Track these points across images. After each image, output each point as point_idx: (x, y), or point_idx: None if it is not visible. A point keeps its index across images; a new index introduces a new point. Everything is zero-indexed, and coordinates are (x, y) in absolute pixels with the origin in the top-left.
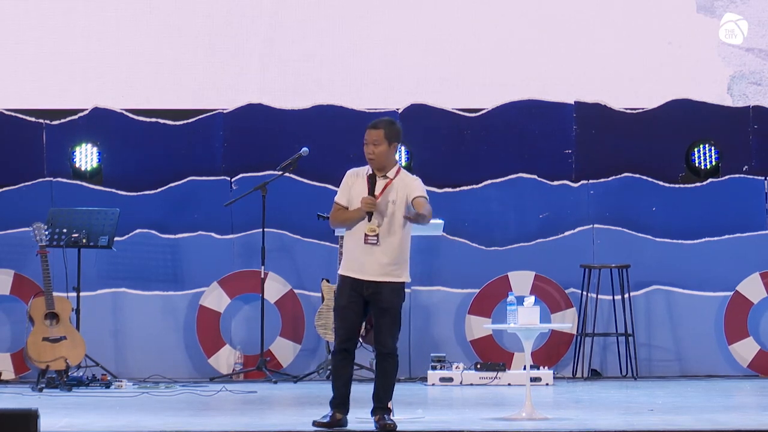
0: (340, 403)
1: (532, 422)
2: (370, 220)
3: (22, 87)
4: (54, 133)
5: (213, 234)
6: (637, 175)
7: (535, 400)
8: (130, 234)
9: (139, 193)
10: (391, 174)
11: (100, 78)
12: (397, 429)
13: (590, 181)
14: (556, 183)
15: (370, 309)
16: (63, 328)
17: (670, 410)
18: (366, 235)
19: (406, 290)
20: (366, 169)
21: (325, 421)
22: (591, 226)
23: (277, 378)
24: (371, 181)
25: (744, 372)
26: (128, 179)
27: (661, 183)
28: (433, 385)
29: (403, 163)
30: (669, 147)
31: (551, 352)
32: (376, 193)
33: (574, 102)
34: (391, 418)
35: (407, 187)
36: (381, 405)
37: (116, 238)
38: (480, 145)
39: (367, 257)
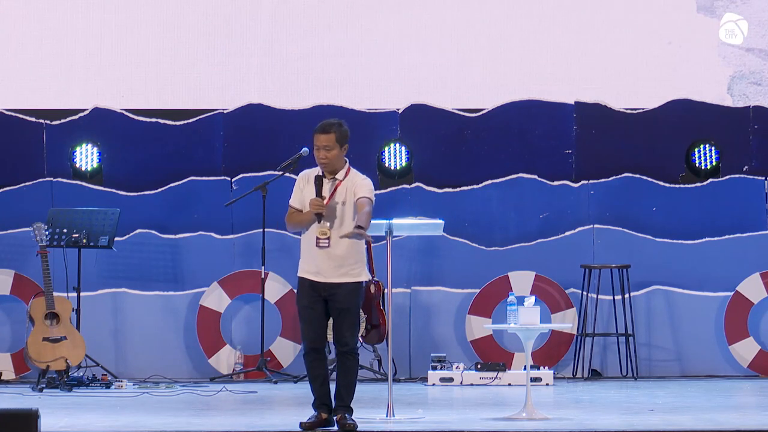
0: (322, 403)
1: (532, 422)
2: (320, 222)
3: (22, 87)
4: (54, 133)
5: (213, 234)
6: (637, 175)
7: (536, 400)
8: (131, 234)
9: (139, 193)
10: (340, 176)
11: (100, 78)
12: (358, 429)
13: (590, 181)
14: (556, 183)
15: (329, 310)
16: (63, 328)
17: (670, 410)
18: (317, 238)
19: (406, 290)
20: (317, 170)
21: (311, 421)
22: (591, 226)
23: (278, 378)
24: (318, 182)
25: (744, 372)
26: (128, 179)
27: (661, 183)
28: (433, 385)
29: (404, 163)
30: (669, 147)
31: (551, 352)
32: (327, 195)
33: (574, 102)
34: (353, 418)
35: (355, 186)
36: (343, 404)
37: (116, 238)
38: (480, 145)
39: (322, 260)
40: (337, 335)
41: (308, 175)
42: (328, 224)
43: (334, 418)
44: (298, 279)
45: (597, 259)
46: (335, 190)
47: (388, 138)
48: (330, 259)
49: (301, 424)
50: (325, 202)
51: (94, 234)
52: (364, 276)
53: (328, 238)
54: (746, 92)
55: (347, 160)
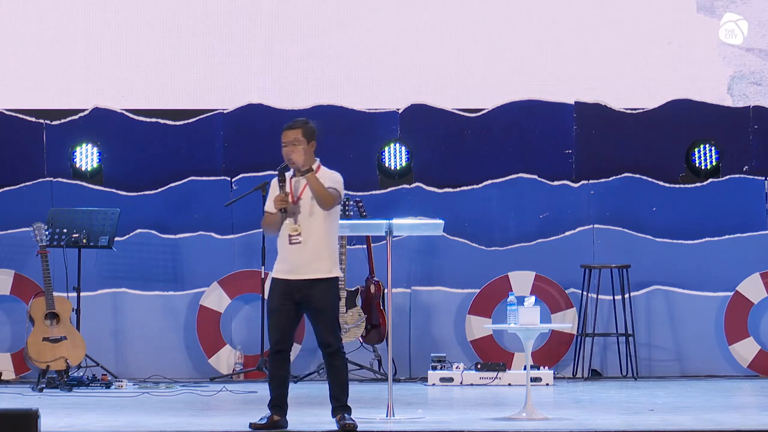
0: (277, 404)
1: (532, 422)
2: (284, 214)
3: (22, 87)
4: (54, 133)
5: (213, 234)
6: (637, 175)
7: (536, 400)
8: (131, 234)
9: (139, 193)
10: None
11: (100, 78)
12: (358, 429)
13: (590, 181)
14: (556, 183)
15: (303, 311)
16: (63, 328)
17: (670, 410)
18: (290, 235)
19: (406, 290)
20: (290, 173)
21: (262, 422)
22: (591, 226)
23: None
24: (281, 178)
25: (744, 372)
26: (128, 179)
27: (661, 183)
28: (433, 385)
29: (404, 163)
30: (669, 147)
31: (551, 352)
32: (298, 192)
33: (574, 102)
34: (352, 417)
35: (325, 180)
36: (340, 404)
37: (116, 238)
38: (480, 145)
39: (295, 257)
40: (318, 338)
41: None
42: (293, 221)
43: (334, 418)
44: (271, 280)
45: (597, 259)
46: (304, 187)
47: (388, 138)
48: (303, 255)
49: (251, 424)
50: (292, 198)
51: (94, 234)
52: (336, 272)
53: (300, 234)
54: (746, 92)
55: (318, 158)
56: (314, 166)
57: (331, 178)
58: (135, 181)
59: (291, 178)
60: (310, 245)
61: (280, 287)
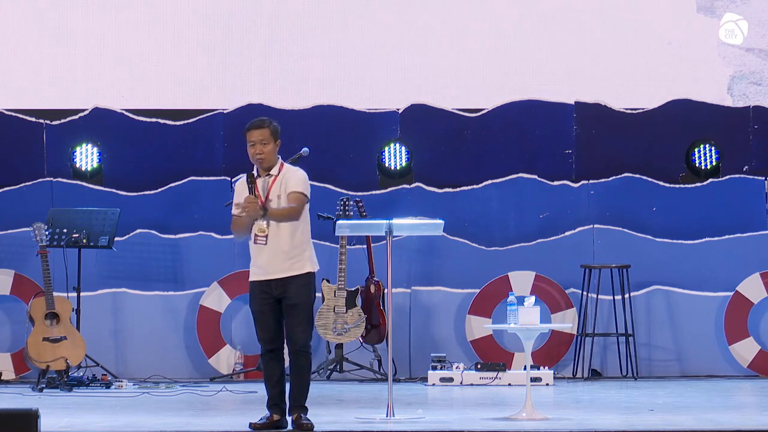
0: (276, 404)
1: (532, 422)
2: (264, 218)
3: (22, 87)
4: (54, 133)
5: (213, 234)
6: (637, 175)
7: (536, 400)
8: (131, 234)
9: (139, 193)
10: (274, 171)
11: (100, 78)
12: (315, 429)
13: (590, 181)
14: (556, 183)
15: (282, 309)
16: (63, 328)
17: (670, 410)
18: (256, 235)
19: (406, 290)
20: (248, 175)
21: (262, 422)
22: (591, 226)
23: None
24: (249, 180)
25: (744, 372)
26: (128, 179)
27: (661, 183)
28: (433, 385)
29: (404, 163)
30: (669, 147)
31: (551, 352)
32: (262, 192)
33: (574, 102)
34: (308, 417)
35: (289, 180)
36: (297, 404)
37: (116, 238)
38: (480, 145)
39: (265, 257)
40: (288, 332)
41: (244, 182)
42: (265, 222)
43: (290, 418)
44: (249, 284)
45: (597, 259)
46: (270, 186)
47: (388, 138)
48: (275, 255)
49: (251, 424)
50: (260, 200)
51: (94, 234)
52: (309, 267)
53: (266, 236)
54: (746, 92)
55: (280, 156)
56: (277, 166)
57: (295, 178)
58: (135, 181)
59: (256, 178)
60: (278, 243)
61: (257, 288)
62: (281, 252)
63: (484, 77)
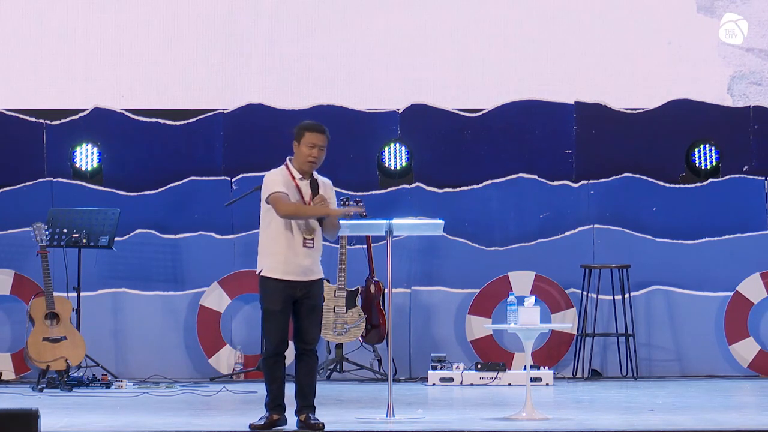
0: (277, 405)
1: (532, 422)
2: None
3: (22, 87)
4: (54, 133)
5: (213, 234)
6: (637, 175)
7: (536, 400)
8: (131, 234)
9: (139, 193)
10: (314, 176)
11: (100, 78)
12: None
13: (590, 181)
14: (556, 183)
15: (296, 309)
16: (63, 328)
17: (670, 410)
18: (305, 238)
19: (406, 290)
20: (282, 171)
21: (261, 423)
22: (591, 226)
23: None
24: (313, 185)
25: (744, 372)
26: (128, 179)
27: (661, 183)
28: (433, 385)
29: (404, 163)
30: (669, 147)
31: (551, 352)
32: (308, 198)
33: (574, 102)
34: (317, 417)
35: (324, 185)
36: (307, 403)
37: (116, 238)
38: (480, 145)
39: (305, 260)
40: (303, 332)
41: (285, 176)
42: (309, 224)
43: (299, 417)
44: (266, 279)
45: (597, 259)
46: (311, 190)
47: (388, 138)
48: (311, 258)
49: (251, 425)
50: (309, 201)
51: (94, 234)
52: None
53: (314, 239)
54: (746, 92)
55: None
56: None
57: (331, 190)
58: (135, 181)
59: (299, 180)
60: (318, 248)
61: (281, 287)
62: (318, 255)
63: (484, 77)
